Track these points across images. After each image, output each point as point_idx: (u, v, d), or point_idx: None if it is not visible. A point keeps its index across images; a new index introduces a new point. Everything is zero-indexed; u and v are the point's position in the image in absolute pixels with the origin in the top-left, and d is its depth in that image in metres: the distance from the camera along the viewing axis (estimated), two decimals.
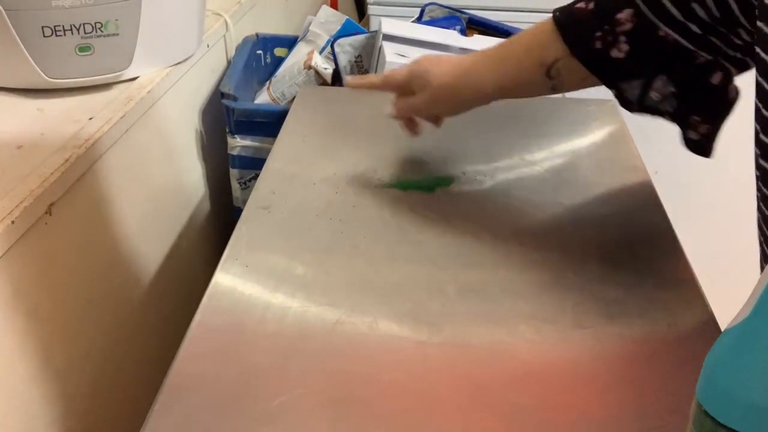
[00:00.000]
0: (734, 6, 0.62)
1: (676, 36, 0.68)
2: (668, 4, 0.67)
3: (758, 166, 0.60)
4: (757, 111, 0.59)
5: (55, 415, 0.83)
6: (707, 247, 1.21)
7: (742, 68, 0.70)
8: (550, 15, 0.76)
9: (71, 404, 0.86)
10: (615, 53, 0.71)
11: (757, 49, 0.58)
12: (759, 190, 0.61)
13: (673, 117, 0.74)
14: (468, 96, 0.82)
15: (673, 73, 0.71)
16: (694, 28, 0.67)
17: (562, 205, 0.83)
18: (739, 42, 0.66)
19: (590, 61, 0.73)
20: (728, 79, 0.71)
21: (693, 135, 0.73)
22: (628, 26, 0.70)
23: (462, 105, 0.84)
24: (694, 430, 0.39)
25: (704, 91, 0.72)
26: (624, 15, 0.70)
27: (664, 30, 0.68)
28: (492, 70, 0.80)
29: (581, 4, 0.74)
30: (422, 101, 0.84)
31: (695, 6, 0.65)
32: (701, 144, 0.74)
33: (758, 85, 0.58)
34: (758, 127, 0.59)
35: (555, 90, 0.79)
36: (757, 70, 0.59)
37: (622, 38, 0.71)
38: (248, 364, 0.60)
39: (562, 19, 0.74)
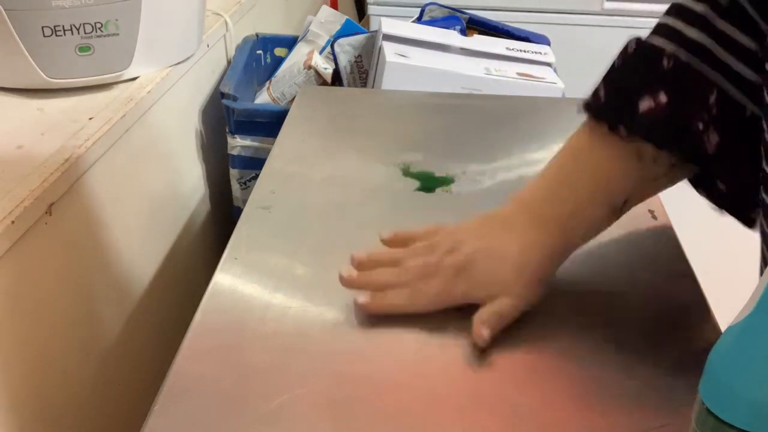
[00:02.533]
0: None
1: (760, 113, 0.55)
2: (743, 68, 0.56)
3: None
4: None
5: (55, 415, 0.83)
6: (707, 247, 1.21)
7: None
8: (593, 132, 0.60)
9: (71, 404, 0.86)
10: (708, 149, 0.57)
11: None
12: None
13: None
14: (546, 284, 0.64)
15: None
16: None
17: None
18: None
19: (699, 157, 0.58)
20: None
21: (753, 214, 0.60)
22: (715, 112, 0.56)
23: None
24: (698, 428, 0.39)
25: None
26: (713, 100, 0.56)
27: (750, 108, 0.56)
28: (561, 243, 0.63)
29: (646, 104, 0.57)
30: (518, 310, 0.63)
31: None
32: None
33: None
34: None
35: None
36: None
37: (711, 128, 0.56)
38: (248, 364, 0.60)
39: (638, 128, 0.57)
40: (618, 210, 0.62)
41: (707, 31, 0.57)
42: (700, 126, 0.56)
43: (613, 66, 0.61)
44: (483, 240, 0.64)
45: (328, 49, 1.31)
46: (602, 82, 0.61)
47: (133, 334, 1.01)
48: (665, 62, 0.57)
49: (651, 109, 0.57)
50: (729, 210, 0.61)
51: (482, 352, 0.61)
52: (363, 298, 0.63)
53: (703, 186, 0.62)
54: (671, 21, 0.60)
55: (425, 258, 0.64)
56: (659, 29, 0.61)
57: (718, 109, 0.56)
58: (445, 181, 0.85)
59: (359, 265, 0.65)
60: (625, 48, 0.60)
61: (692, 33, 0.58)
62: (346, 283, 0.65)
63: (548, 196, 0.63)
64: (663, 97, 0.56)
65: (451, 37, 1.21)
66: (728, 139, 0.57)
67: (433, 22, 1.31)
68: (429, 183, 0.84)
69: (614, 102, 0.59)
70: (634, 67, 0.59)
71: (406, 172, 0.86)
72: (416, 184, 0.84)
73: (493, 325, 0.61)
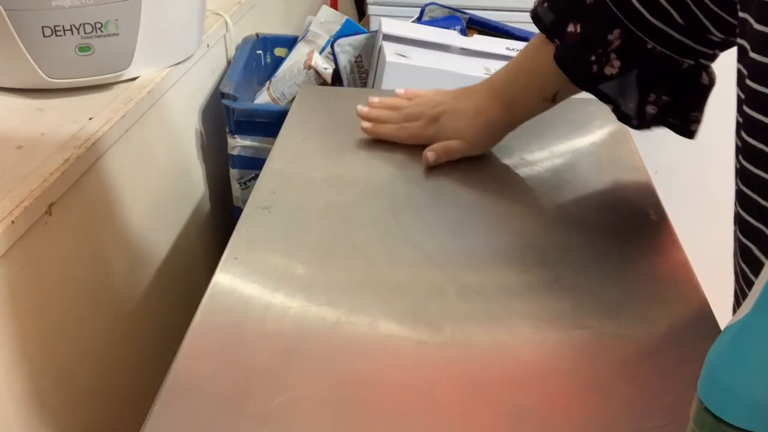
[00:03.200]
0: (699, 13, 0.68)
1: (662, 48, 0.73)
2: (650, 17, 0.71)
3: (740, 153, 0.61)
4: (739, 102, 0.59)
5: (55, 414, 0.83)
6: (707, 247, 1.21)
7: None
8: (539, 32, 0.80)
9: (71, 404, 0.86)
10: (609, 70, 0.75)
11: (739, 40, 0.58)
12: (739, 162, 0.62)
13: (672, 122, 0.78)
14: (499, 137, 0.89)
15: (664, 83, 0.75)
16: (675, 34, 0.71)
17: (562, 205, 0.83)
18: (716, 39, 0.71)
19: (588, 84, 0.78)
20: (712, 76, 0.77)
21: (693, 126, 0.79)
22: (617, 44, 0.74)
23: (494, 143, 0.90)
24: (696, 427, 0.39)
25: (696, 92, 0.77)
26: (613, 35, 0.74)
27: (651, 43, 0.73)
28: (505, 114, 0.86)
29: (570, 28, 0.76)
30: (462, 151, 0.88)
31: (672, 12, 0.70)
32: (692, 129, 0.79)
33: (739, 72, 0.60)
34: (740, 119, 0.60)
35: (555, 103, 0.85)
36: (739, 58, 0.59)
37: (613, 55, 0.75)
38: (248, 364, 0.60)
39: (559, 52, 0.78)
40: (549, 99, 0.83)
41: None
42: (594, 57, 0.75)
43: None
44: (454, 102, 0.88)
45: (328, 49, 1.32)
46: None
47: (133, 333, 1.01)
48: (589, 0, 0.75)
49: (570, 33, 0.76)
50: (635, 126, 0.79)
51: (482, 352, 0.61)
52: (365, 124, 0.91)
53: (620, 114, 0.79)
54: None
55: (414, 108, 0.90)
56: None
57: (621, 41, 0.73)
58: None
59: (371, 104, 0.93)
60: None
61: None
62: (359, 112, 0.92)
63: (503, 80, 0.86)
64: (578, 27, 0.76)
65: (451, 37, 1.21)
66: (627, 65, 0.74)
67: (433, 22, 1.31)
68: None
69: (555, 20, 0.78)
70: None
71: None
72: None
73: (440, 152, 0.87)
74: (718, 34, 0.70)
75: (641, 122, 0.78)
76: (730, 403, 0.37)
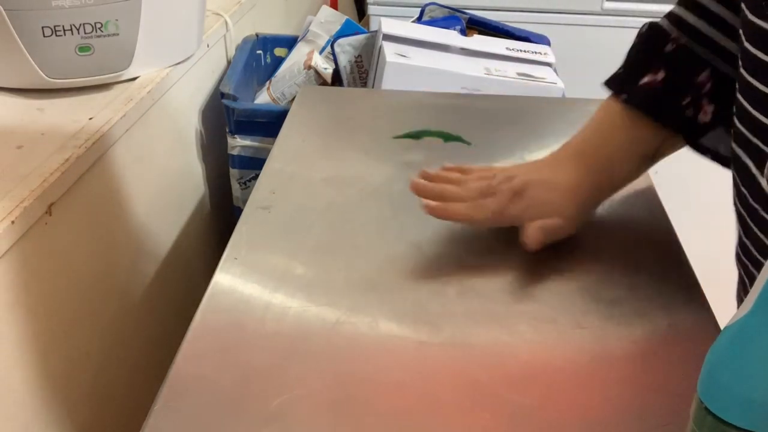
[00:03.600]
0: None
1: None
2: (731, 45, 0.65)
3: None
4: (743, 111, 0.59)
5: (55, 415, 0.83)
6: (707, 247, 1.21)
7: None
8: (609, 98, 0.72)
9: (71, 404, 0.86)
10: (702, 118, 0.68)
11: (745, 44, 0.58)
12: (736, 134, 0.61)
13: None
14: (593, 210, 0.75)
15: None
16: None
17: None
18: None
19: (690, 132, 0.70)
20: None
21: None
22: (707, 87, 0.67)
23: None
24: (696, 427, 0.39)
25: None
26: (703, 77, 0.67)
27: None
28: (608, 182, 0.73)
29: (647, 79, 0.69)
30: (565, 231, 0.72)
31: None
32: None
33: (740, 77, 0.60)
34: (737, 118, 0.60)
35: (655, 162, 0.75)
36: (742, 62, 0.59)
37: (705, 101, 0.68)
38: (248, 364, 0.60)
39: (634, 98, 0.69)
40: (650, 158, 0.72)
41: (704, 16, 0.68)
42: (687, 100, 0.68)
43: (632, 44, 0.72)
44: (536, 173, 0.73)
45: (328, 49, 1.32)
46: (624, 58, 0.73)
47: (133, 334, 1.01)
48: (668, 46, 0.69)
49: (649, 83, 0.69)
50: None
51: (482, 352, 0.61)
52: (430, 203, 0.72)
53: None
54: (677, 9, 0.71)
55: (481, 182, 0.73)
56: (669, 15, 0.71)
57: (712, 84, 0.67)
58: (456, 138, 0.90)
59: (426, 177, 0.75)
60: (641, 30, 0.72)
61: (690, 18, 0.69)
62: (416, 186, 0.73)
63: (590, 143, 0.73)
64: (661, 74, 0.68)
65: (451, 37, 1.21)
66: (722, 107, 0.67)
67: (433, 22, 1.31)
68: (446, 138, 0.90)
69: (623, 75, 0.72)
70: (644, 48, 0.71)
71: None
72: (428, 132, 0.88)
73: (547, 232, 0.70)
74: None
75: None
76: (730, 403, 0.37)
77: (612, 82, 0.73)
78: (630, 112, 0.70)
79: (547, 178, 0.72)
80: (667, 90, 0.68)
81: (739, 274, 0.67)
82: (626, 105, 0.70)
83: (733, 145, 0.62)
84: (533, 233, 0.69)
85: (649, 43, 0.70)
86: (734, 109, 0.61)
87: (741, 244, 0.64)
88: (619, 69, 0.73)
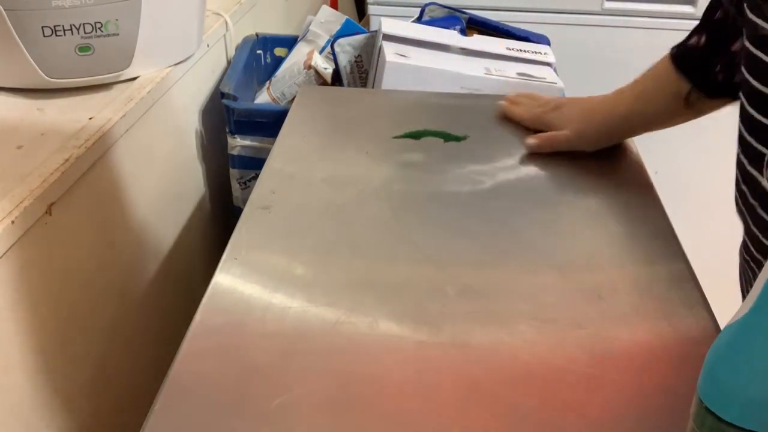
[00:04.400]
0: None
1: None
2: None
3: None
4: (742, 108, 0.60)
5: (55, 415, 0.83)
6: (707, 247, 1.21)
7: None
8: (668, 54, 0.80)
9: (71, 404, 0.86)
10: (739, 78, 0.72)
11: (745, 41, 0.59)
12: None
13: None
14: (616, 134, 0.89)
15: None
16: None
17: (562, 205, 0.83)
18: None
19: (718, 92, 0.77)
20: None
21: None
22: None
23: (608, 142, 0.89)
24: (696, 427, 0.39)
25: None
26: (738, 45, 0.71)
27: None
28: (633, 108, 0.85)
29: (694, 40, 0.78)
30: (568, 141, 0.88)
31: None
32: None
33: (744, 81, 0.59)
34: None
35: (700, 114, 0.82)
36: (745, 63, 0.59)
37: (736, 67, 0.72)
38: (248, 364, 0.60)
39: (681, 59, 0.79)
40: (683, 98, 0.80)
41: None
42: (720, 65, 0.75)
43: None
44: (581, 99, 0.91)
45: (328, 49, 1.31)
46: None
47: (133, 333, 1.01)
48: (718, 13, 0.75)
49: (695, 43, 0.78)
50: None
51: (482, 352, 0.61)
52: (504, 102, 0.98)
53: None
54: None
55: (548, 98, 0.95)
56: None
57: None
58: (456, 138, 0.92)
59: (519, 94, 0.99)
60: None
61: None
62: (505, 96, 0.99)
63: (630, 84, 0.85)
64: (704, 38, 0.77)
65: (451, 37, 1.21)
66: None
67: (433, 22, 1.31)
68: (446, 138, 0.93)
69: (683, 41, 0.80)
70: (706, 10, 0.78)
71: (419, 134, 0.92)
72: (429, 132, 0.88)
73: (543, 140, 0.89)
74: None
75: None
76: (730, 402, 0.37)
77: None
78: (673, 63, 0.80)
79: (585, 99, 0.89)
80: (704, 53, 0.77)
81: (742, 267, 0.67)
82: (671, 58, 0.80)
83: (737, 143, 0.62)
84: (527, 138, 0.89)
85: (710, 6, 0.77)
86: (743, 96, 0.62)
87: (743, 241, 0.64)
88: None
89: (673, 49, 0.80)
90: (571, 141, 0.87)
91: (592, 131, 0.87)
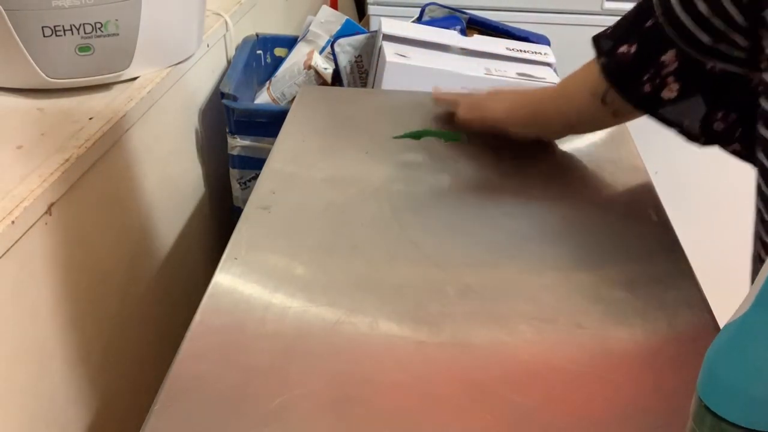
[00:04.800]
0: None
1: (723, 65, 0.69)
2: (700, 34, 0.68)
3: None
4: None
5: (55, 415, 0.83)
6: (707, 247, 1.21)
7: None
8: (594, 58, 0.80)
9: (71, 404, 0.86)
10: (666, 94, 0.74)
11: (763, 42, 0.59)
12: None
13: (744, 139, 0.73)
14: (540, 123, 0.90)
15: (732, 101, 0.72)
16: (735, 52, 0.67)
17: (562, 206, 0.83)
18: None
19: (642, 104, 0.76)
20: None
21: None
22: (673, 66, 0.72)
23: (536, 133, 0.91)
24: (696, 426, 0.39)
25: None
26: (668, 56, 0.72)
27: (711, 63, 0.69)
28: (556, 102, 0.88)
29: (624, 48, 0.76)
30: (495, 117, 0.91)
31: (728, 31, 0.65)
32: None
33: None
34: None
35: (619, 118, 0.84)
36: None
37: (671, 78, 0.73)
38: (248, 364, 0.60)
39: (609, 65, 0.78)
40: (600, 97, 0.79)
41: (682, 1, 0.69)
42: (648, 75, 0.74)
43: (628, 11, 0.78)
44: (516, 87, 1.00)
45: (328, 49, 1.31)
46: (617, 21, 0.80)
47: (133, 334, 1.01)
48: (649, 22, 0.73)
49: (624, 53, 0.76)
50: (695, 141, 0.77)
51: (482, 352, 0.61)
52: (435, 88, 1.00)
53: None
54: None
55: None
56: None
57: (679, 63, 0.71)
58: (455, 137, 0.93)
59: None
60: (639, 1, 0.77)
61: (674, 2, 0.71)
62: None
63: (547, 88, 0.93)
64: (634, 48, 0.75)
65: (451, 37, 1.21)
66: (687, 87, 0.73)
67: (433, 22, 1.31)
68: (446, 138, 0.94)
69: (607, 39, 0.79)
70: (633, 18, 0.77)
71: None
72: (428, 132, 0.89)
73: (475, 113, 0.92)
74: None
75: (708, 139, 0.75)
76: (730, 401, 0.37)
77: (598, 41, 0.80)
78: (603, 72, 0.79)
79: (520, 88, 0.98)
80: (633, 63, 0.75)
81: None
82: (601, 68, 0.78)
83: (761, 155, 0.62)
84: (458, 110, 0.93)
85: (638, 14, 0.76)
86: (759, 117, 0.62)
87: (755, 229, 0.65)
88: (608, 29, 0.80)
89: (601, 57, 0.78)
90: (499, 119, 0.90)
91: (521, 113, 0.90)
